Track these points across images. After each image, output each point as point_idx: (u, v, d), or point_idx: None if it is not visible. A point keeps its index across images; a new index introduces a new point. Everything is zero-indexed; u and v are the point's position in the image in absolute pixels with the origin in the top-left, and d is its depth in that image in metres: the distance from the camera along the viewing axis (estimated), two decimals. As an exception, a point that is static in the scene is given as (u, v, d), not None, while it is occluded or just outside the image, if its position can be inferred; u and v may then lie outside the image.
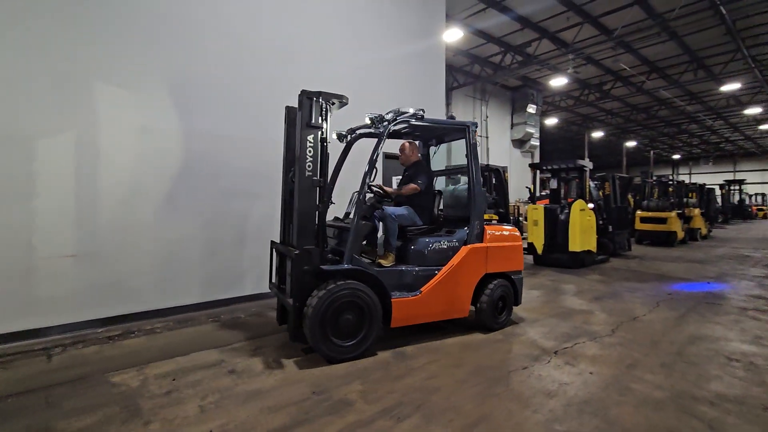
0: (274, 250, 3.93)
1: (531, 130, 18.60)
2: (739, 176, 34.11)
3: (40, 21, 3.68)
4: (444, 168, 5.61)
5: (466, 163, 4.06)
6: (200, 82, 4.66)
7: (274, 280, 3.91)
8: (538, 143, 19.36)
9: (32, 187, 3.65)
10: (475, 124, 4.17)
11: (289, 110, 3.85)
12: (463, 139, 4.13)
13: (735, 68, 14.68)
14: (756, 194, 30.70)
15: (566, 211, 7.72)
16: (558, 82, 15.55)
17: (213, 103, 4.75)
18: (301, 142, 3.25)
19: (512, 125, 18.91)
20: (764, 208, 28.46)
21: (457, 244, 3.89)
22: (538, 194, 10.01)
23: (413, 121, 3.63)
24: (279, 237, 3.96)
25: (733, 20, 10.32)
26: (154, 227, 4.33)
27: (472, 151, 4.02)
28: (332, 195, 3.76)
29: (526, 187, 10.56)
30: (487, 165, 7.39)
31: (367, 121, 3.60)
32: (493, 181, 7.27)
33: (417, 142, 4.57)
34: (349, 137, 4.21)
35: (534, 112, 18.61)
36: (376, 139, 3.56)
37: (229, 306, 4.80)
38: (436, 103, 7.52)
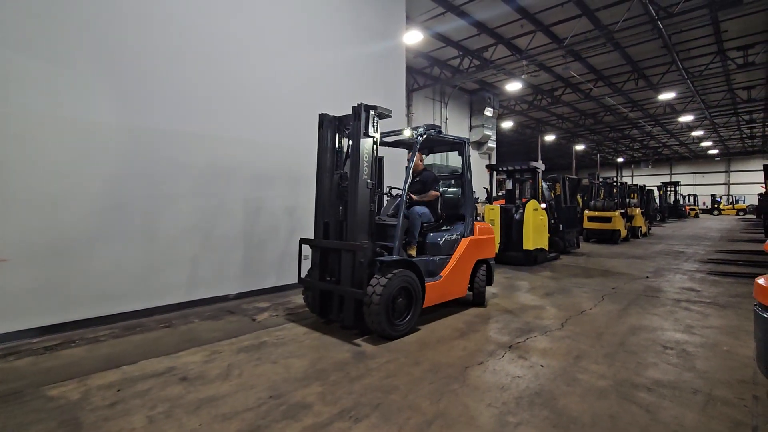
0: (309, 246, 4.17)
1: (488, 132, 19.20)
2: (674, 178, 37.09)
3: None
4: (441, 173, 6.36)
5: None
6: (151, 77, 4.42)
7: (307, 275, 4.21)
8: (494, 145, 20.01)
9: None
10: (468, 140, 4.98)
11: (322, 117, 4.13)
12: (449, 151, 5.01)
13: (670, 79, 15.92)
14: (689, 195, 33.52)
15: (521, 210, 8.04)
16: (513, 86, 16.15)
17: (162, 99, 4.52)
18: (359, 150, 3.67)
19: (470, 127, 19.43)
20: (695, 208, 31.11)
21: (459, 236, 4.66)
22: (494, 194, 10.35)
23: (433, 134, 4.20)
24: (314, 234, 4.18)
25: (669, 35, 11.17)
26: (97, 229, 4.06)
27: (467, 161, 4.85)
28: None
29: (484, 188, 10.88)
30: (447, 166, 7.56)
31: (408, 133, 4.19)
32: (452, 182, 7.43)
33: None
34: None
35: (491, 115, 19.23)
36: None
37: (181, 310, 4.60)
38: (396, 104, 7.56)
